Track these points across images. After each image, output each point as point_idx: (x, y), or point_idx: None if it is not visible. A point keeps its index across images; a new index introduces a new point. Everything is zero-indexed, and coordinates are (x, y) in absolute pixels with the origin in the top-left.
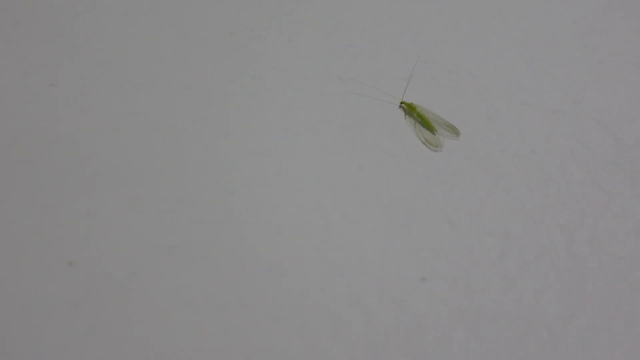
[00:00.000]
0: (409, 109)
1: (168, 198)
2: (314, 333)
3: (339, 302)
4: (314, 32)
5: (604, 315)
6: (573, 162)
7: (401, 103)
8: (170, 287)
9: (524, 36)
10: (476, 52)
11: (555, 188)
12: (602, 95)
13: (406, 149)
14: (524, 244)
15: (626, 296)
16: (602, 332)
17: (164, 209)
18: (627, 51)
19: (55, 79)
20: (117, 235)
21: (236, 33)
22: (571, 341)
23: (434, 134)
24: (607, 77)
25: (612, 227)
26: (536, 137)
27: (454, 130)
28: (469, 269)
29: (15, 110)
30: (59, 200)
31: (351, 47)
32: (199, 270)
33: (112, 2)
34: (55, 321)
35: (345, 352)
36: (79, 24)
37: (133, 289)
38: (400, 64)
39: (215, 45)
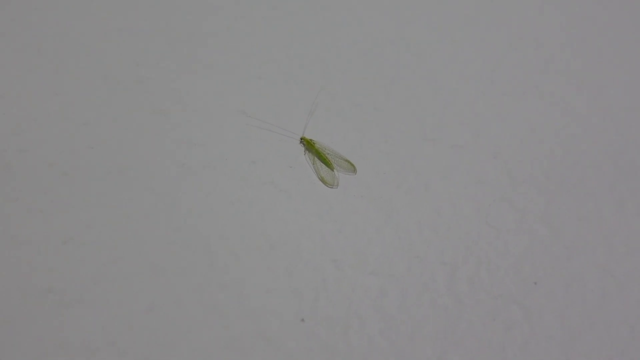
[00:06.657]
0: (308, 145)
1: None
2: None
3: (216, 344)
4: (220, 62)
5: (474, 354)
6: (464, 198)
7: (301, 139)
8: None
9: (431, 70)
10: (383, 85)
11: (444, 225)
12: (501, 130)
13: (301, 186)
14: (406, 283)
15: (498, 334)
16: None
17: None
18: (531, 86)
19: None
20: None
21: (141, 64)
22: None
23: (332, 170)
24: (509, 111)
25: (493, 265)
26: (432, 173)
27: (352, 167)
28: (348, 309)
29: None
30: None
31: (258, 79)
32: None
33: None
34: None
35: None
36: None
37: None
38: (304, 97)
39: (120, 77)
